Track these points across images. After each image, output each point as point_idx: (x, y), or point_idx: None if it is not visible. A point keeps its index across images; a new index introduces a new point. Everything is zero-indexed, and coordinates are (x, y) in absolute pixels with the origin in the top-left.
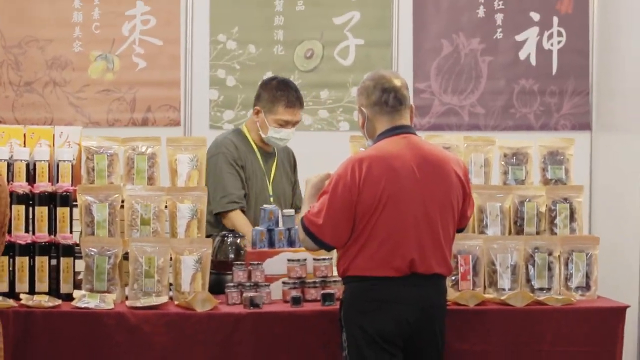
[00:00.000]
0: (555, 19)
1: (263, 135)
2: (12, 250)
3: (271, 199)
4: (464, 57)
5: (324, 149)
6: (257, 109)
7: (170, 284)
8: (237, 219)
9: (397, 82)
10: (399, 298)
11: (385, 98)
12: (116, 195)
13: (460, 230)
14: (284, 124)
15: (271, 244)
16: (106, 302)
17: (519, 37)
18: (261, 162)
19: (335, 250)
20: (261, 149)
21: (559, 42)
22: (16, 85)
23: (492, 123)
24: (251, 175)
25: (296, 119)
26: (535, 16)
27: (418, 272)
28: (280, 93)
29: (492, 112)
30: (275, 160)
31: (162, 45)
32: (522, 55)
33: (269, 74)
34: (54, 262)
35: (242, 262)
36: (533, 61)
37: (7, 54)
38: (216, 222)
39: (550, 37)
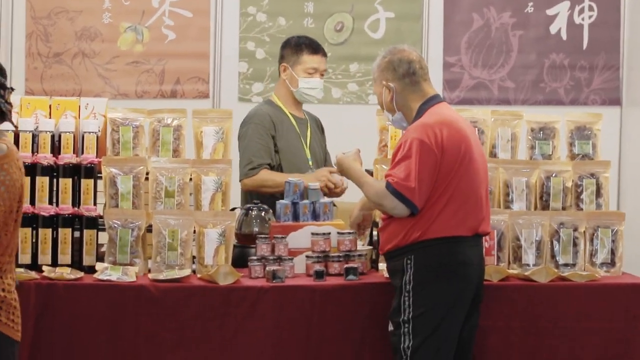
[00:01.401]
0: None
1: (294, 90)
2: (35, 221)
3: (310, 163)
4: (495, 31)
5: (353, 122)
6: (283, 65)
7: (194, 257)
8: (263, 175)
9: (416, 54)
10: (471, 259)
11: (413, 68)
12: (141, 167)
13: None
14: (313, 72)
15: (295, 217)
16: (129, 274)
17: (550, 11)
18: (297, 128)
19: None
20: (294, 116)
21: (590, 16)
22: (45, 56)
23: (522, 97)
24: (288, 142)
25: (323, 67)
26: None
27: (478, 232)
28: (302, 45)
29: (522, 87)
30: (309, 125)
31: (192, 17)
32: (552, 29)
33: None
34: (77, 234)
35: (266, 236)
36: (564, 35)
37: (37, 24)
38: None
39: (581, 11)
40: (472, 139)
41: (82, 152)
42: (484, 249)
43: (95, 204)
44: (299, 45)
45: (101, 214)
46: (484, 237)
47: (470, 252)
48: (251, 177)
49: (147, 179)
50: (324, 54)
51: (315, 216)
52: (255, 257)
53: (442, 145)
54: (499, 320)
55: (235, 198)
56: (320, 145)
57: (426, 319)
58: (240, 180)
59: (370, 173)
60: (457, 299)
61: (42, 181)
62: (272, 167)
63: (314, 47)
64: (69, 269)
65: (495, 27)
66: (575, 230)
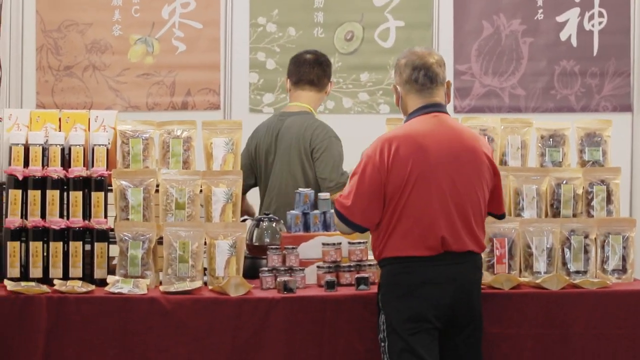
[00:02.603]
0: (597, 0)
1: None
2: (46, 235)
3: None
4: (505, 39)
5: (364, 132)
6: (332, 82)
7: (205, 269)
8: None
9: (430, 59)
10: (434, 278)
11: (415, 76)
12: (151, 180)
13: (500, 216)
14: None
15: (306, 227)
16: (140, 287)
17: (559, 18)
18: None
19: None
20: None
21: (600, 22)
22: (56, 69)
23: (533, 105)
24: None
25: None
26: None
27: (451, 250)
28: None
29: (532, 94)
30: None
31: (202, 29)
32: (563, 36)
33: None
34: (88, 247)
35: (277, 246)
36: (574, 42)
37: (47, 38)
38: None
39: (591, 17)
40: (435, 154)
41: (92, 165)
42: (473, 264)
43: (106, 216)
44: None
45: (112, 226)
46: (472, 252)
47: (433, 271)
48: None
49: (157, 191)
50: None
51: (326, 226)
52: (266, 268)
53: (387, 164)
54: (511, 328)
55: None
56: None
57: (395, 339)
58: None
59: None
60: (420, 319)
61: (53, 194)
62: None
63: None
64: (80, 282)
65: (506, 35)
66: (586, 237)
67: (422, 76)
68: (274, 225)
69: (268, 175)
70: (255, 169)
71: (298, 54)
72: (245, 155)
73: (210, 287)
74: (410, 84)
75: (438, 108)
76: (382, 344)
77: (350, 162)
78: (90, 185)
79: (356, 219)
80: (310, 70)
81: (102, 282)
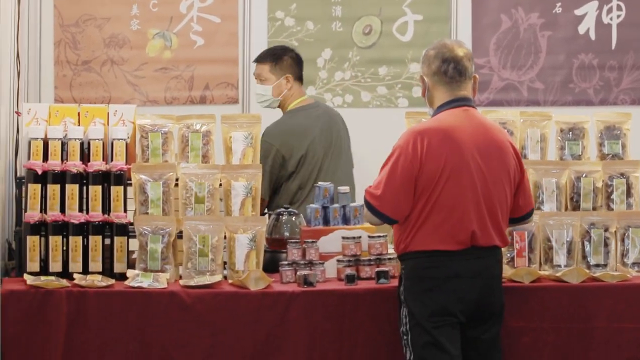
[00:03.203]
0: None
1: None
2: (65, 229)
3: None
4: (523, 32)
5: (382, 126)
6: None
7: (225, 263)
8: None
9: (460, 52)
10: (462, 273)
11: (445, 68)
12: (170, 174)
13: (521, 218)
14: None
15: (326, 221)
16: (160, 281)
17: (578, 12)
18: None
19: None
20: None
21: (618, 16)
22: (74, 64)
23: (551, 98)
24: None
25: (256, 73)
26: None
27: (478, 244)
28: None
29: (551, 88)
30: None
31: (220, 23)
32: (581, 29)
33: (327, 51)
34: (107, 241)
35: (297, 240)
36: (592, 35)
37: (65, 32)
38: None
39: (609, 11)
40: (467, 148)
41: (112, 159)
42: (496, 258)
43: (125, 210)
44: None
45: (131, 220)
46: (497, 246)
47: (460, 265)
48: None
49: (176, 185)
50: (256, 60)
51: (345, 220)
52: (286, 262)
53: (421, 156)
54: (532, 322)
55: None
56: None
57: (419, 331)
58: None
59: None
60: (446, 313)
61: (72, 189)
62: None
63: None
64: (100, 277)
65: (524, 28)
66: (606, 230)
67: (451, 69)
68: (293, 219)
69: (320, 170)
70: (299, 171)
71: (292, 52)
72: (277, 168)
73: (230, 281)
74: (439, 75)
75: (467, 102)
76: (405, 336)
77: (368, 156)
78: (110, 179)
79: (386, 209)
80: (303, 66)
81: (122, 276)
